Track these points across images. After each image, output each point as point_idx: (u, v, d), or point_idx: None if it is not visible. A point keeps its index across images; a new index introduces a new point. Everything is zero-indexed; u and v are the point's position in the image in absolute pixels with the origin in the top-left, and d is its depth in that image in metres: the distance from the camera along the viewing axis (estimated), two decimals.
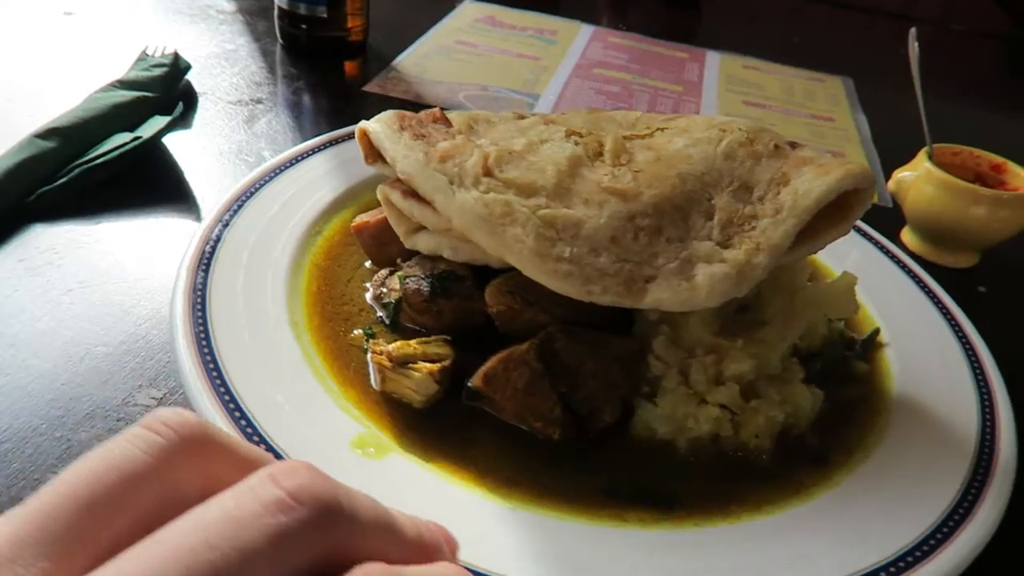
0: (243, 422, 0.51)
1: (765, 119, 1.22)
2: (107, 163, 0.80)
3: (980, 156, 0.92)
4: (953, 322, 0.72)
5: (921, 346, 0.70)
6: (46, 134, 0.80)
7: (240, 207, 0.72)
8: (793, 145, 0.65)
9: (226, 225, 0.69)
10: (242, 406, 0.51)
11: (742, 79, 1.37)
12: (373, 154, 0.66)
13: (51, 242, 0.73)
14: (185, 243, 0.67)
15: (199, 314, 0.58)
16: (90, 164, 0.80)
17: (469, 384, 0.58)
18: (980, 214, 0.85)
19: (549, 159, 0.59)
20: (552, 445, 0.56)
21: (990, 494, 0.54)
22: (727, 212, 0.58)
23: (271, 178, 0.77)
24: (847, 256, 0.80)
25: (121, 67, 0.99)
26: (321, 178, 0.80)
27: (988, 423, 0.61)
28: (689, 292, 0.53)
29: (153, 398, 0.59)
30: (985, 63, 1.83)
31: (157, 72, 0.97)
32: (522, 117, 0.69)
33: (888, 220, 0.93)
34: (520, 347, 0.57)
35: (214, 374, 0.53)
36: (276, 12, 1.19)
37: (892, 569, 0.48)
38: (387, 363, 0.57)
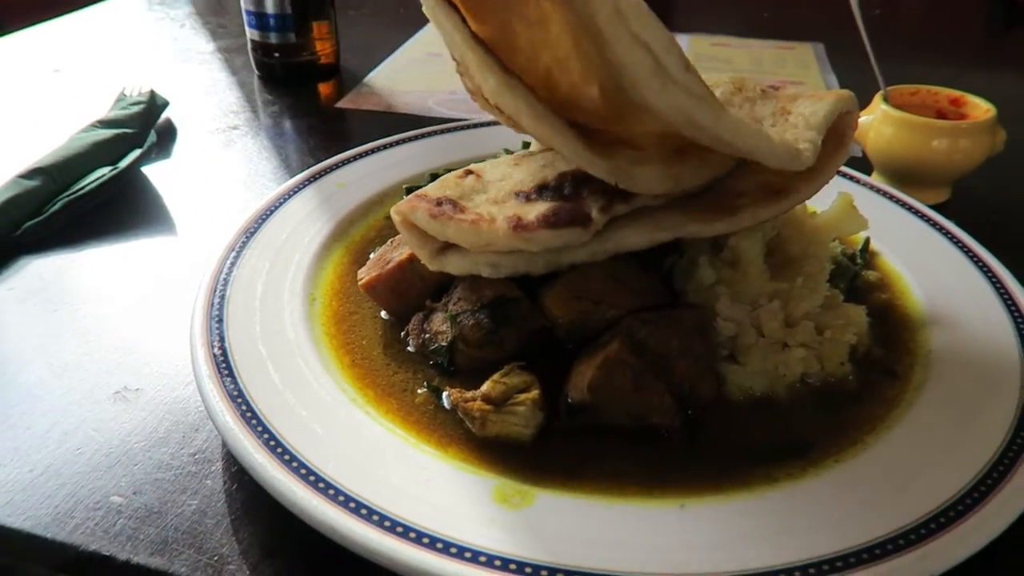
0: (387, 523, 0.46)
1: None
2: (88, 194, 0.85)
3: (938, 92, 0.93)
4: (935, 224, 0.78)
5: (912, 247, 0.75)
6: (30, 174, 0.85)
7: (223, 301, 0.64)
8: (775, 87, 0.67)
9: (220, 321, 0.61)
10: (380, 510, 0.46)
11: (711, 56, 1.39)
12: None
13: (39, 270, 0.77)
14: (165, 265, 0.70)
15: (257, 426, 0.52)
16: (72, 196, 0.84)
17: (571, 400, 0.55)
18: (941, 147, 0.86)
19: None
20: (661, 435, 0.55)
21: None
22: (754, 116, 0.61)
23: (241, 248, 0.71)
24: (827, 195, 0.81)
25: (104, 110, 1.04)
26: (295, 237, 0.74)
27: (1016, 314, 0.65)
28: (765, 133, 0.53)
29: (138, 389, 0.62)
30: (967, 16, 1.82)
31: (135, 109, 1.02)
32: (518, 163, 0.65)
33: (857, 168, 0.94)
34: (609, 348, 0.55)
35: (332, 492, 0.47)
36: (249, 45, 1.24)
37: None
38: (486, 407, 0.53)
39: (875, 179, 0.94)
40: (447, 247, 0.60)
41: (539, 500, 0.48)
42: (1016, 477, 0.49)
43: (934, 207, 0.90)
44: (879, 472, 0.51)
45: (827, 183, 0.65)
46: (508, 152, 0.88)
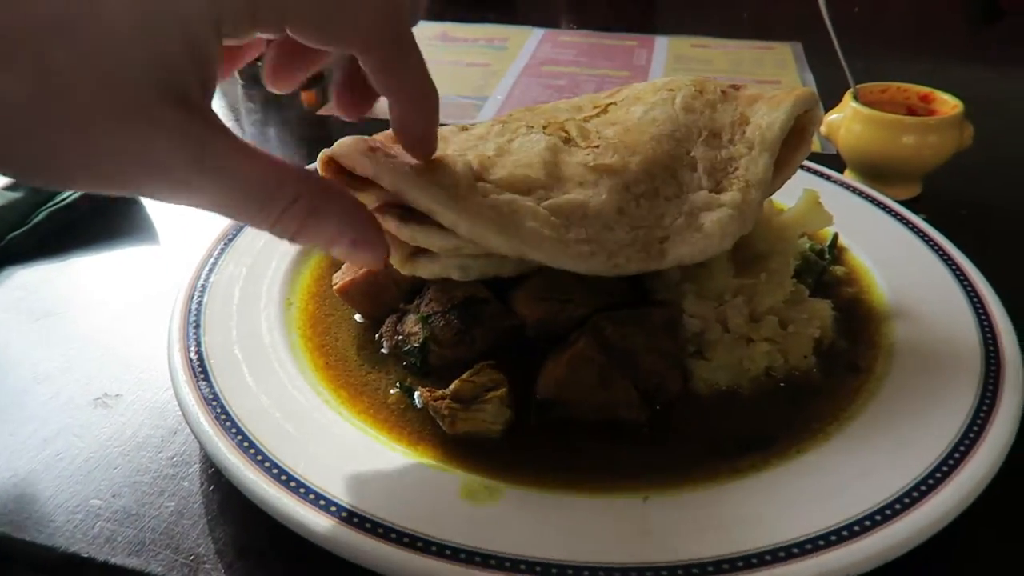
0: (355, 519, 0.47)
1: None
2: (72, 204, 0.86)
3: (907, 89, 0.94)
4: (903, 219, 0.79)
5: (879, 242, 0.77)
6: (13, 185, 0.86)
7: (200, 307, 0.65)
8: (736, 87, 0.69)
9: (197, 327, 0.62)
10: (350, 507, 0.47)
11: (690, 57, 1.41)
12: (343, 182, 0.59)
13: (23, 280, 0.79)
14: (148, 273, 0.71)
15: (231, 428, 0.53)
16: (55, 206, 0.85)
17: (539, 397, 0.56)
18: (910, 143, 0.87)
19: (529, 154, 0.58)
20: (628, 429, 0.56)
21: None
22: (707, 160, 0.61)
23: (218, 258, 0.72)
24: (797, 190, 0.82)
25: None
26: (275, 242, 0.73)
27: (979, 306, 0.66)
28: (704, 240, 0.55)
29: (118, 395, 0.64)
30: (948, 12, 1.84)
31: None
32: (466, 128, 0.66)
33: (830, 165, 0.95)
34: (576, 346, 0.56)
35: (303, 491, 0.49)
36: None
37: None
38: (456, 405, 0.55)
39: (848, 176, 0.95)
40: (418, 252, 0.61)
41: (507, 496, 0.49)
42: (969, 465, 0.50)
43: (905, 202, 0.91)
44: (840, 462, 0.52)
45: (790, 178, 0.67)
46: None
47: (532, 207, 0.54)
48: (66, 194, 0.87)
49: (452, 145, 0.62)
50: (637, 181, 0.58)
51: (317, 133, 1.16)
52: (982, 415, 0.54)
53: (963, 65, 1.44)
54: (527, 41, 1.49)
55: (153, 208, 0.92)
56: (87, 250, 0.83)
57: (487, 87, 1.27)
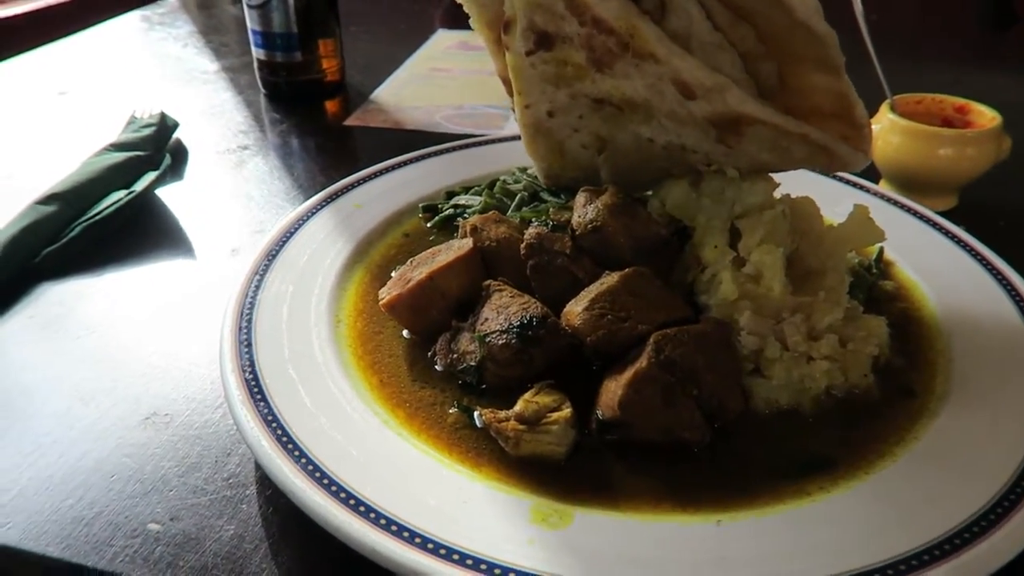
0: (429, 545, 0.46)
1: None
2: (105, 219, 0.85)
3: (943, 101, 0.94)
4: (946, 232, 0.80)
5: (925, 256, 0.77)
6: (46, 200, 0.85)
7: (250, 325, 0.64)
8: None
9: (248, 345, 0.61)
10: (421, 531, 0.47)
11: None
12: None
13: (59, 297, 0.77)
14: (184, 288, 0.71)
15: (294, 451, 0.52)
16: (90, 221, 0.84)
17: (601, 418, 0.56)
18: (947, 155, 0.87)
19: None
20: (691, 450, 0.55)
21: None
22: None
23: (264, 271, 0.71)
24: (839, 204, 0.81)
25: (114, 132, 1.04)
26: (316, 259, 0.74)
27: (1020, 303, 0.68)
28: None
29: (167, 415, 0.63)
30: (961, 19, 1.84)
31: (146, 132, 1.02)
32: None
33: (865, 176, 0.95)
34: (639, 365, 0.55)
35: (373, 515, 0.48)
36: (255, 64, 1.25)
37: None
38: (520, 427, 0.54)
39: (883, 186, 0.95)
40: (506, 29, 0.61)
41: (577, 519, 0.49)
42: None
43: (942, 214, 0.91)
44: (908, 484, 0.52)
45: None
46: (522, 170, 0.89)
47: None
48: (99, 208, 0.86)
49: None
50: None
51: (342, 143, 1.16)
52: None
53: (985, 73, 1.44)
54: None
55: (186, 220, 0.91)
56: (121, 265, 0.83)
57: None
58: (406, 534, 0.46)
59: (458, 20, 1.69)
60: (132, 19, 1.71)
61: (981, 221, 0.89)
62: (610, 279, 0.62)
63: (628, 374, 0.55)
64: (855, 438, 0.56)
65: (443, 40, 1.55)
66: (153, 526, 0.53)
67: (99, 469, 0.58)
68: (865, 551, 0.46)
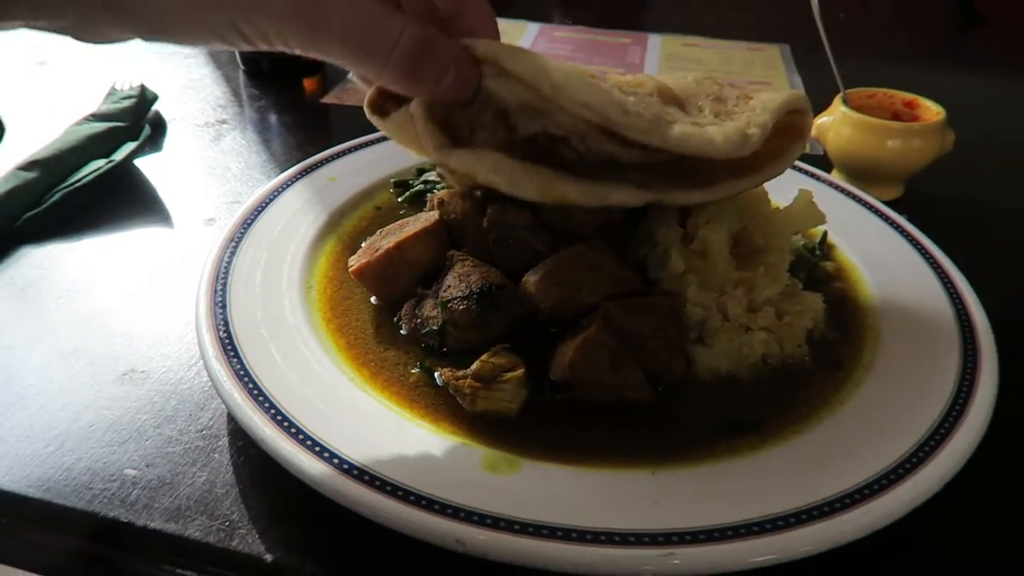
0: (388, 487, 0.50)
1: None
2: (85, 186, 0.88)
3: (893, 95, 0.99)
4: (887, 219, 0.84)
5: (866, 240, 0.82)
6: (28, 166, 0.88)
7: (225, 288, 0.67)
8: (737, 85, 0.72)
9: (223, 307, 0.65)
10: (382, 476, 0.51)
11: (682, 56, 1.44)
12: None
13: (39, 260, 0.80)
14: (160, 253, 0.74)
15: (264, 402, 0.56)
16: (70, 188, 0.87)
17: (554, 378, 0.60)
18: (895, 147, 0.92)
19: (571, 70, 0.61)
20: (639, 409, 0.60)
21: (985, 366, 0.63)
22: (714, 109, 0.64)
23: (240, 238, 0.74)
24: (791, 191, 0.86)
25: (93, 103, 1.06)
26: (290, 228, 0.78)
27: (957, 300, 0.71)
28: (706, 135, 0.57)
29: (144, 371, 0.66)
30: (930, 19, 1.89)
31: (126, 103, 1.05)
32: None
33: (819, 166, 1.00)
34: (588, 330, 0.60)
35: (337, 461, 0.52)
36: None
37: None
38: (476, 384, 0.58)
39: (835, 176, 1.00)
40: (454, 143, 0.61)
41: (525, 468, 0.53)
42: (950, 445, 0.55)
43: (888, 202, 0.96)
44: (830, 443, 0.57)
45: (790, 165, 0.70)
46: None
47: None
48: (79, 176, 0.89)
49: None
50: (651, 94, 0.61)
51: (318, 120, 1.18)
52: (960, 401, 0.59)
53: (944, 71, 1.50)
54: (523, 35, 1.52)
55: (164, 190, 0.94)
56: (100, 231, 0.85)
57: None
58: (367, 478, 0.50)
59: None
60: None
61: (924, 210, 0.94)
62: (567, 251, 0.66)
63: (579, 339, 0.59)
64: (787, 403, 0.61)
65: None
66: (130, 471, 0.57)
67: (78, 420, 0.61)
68: (787, 497, 0.51)
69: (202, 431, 0.61)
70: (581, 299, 0.62)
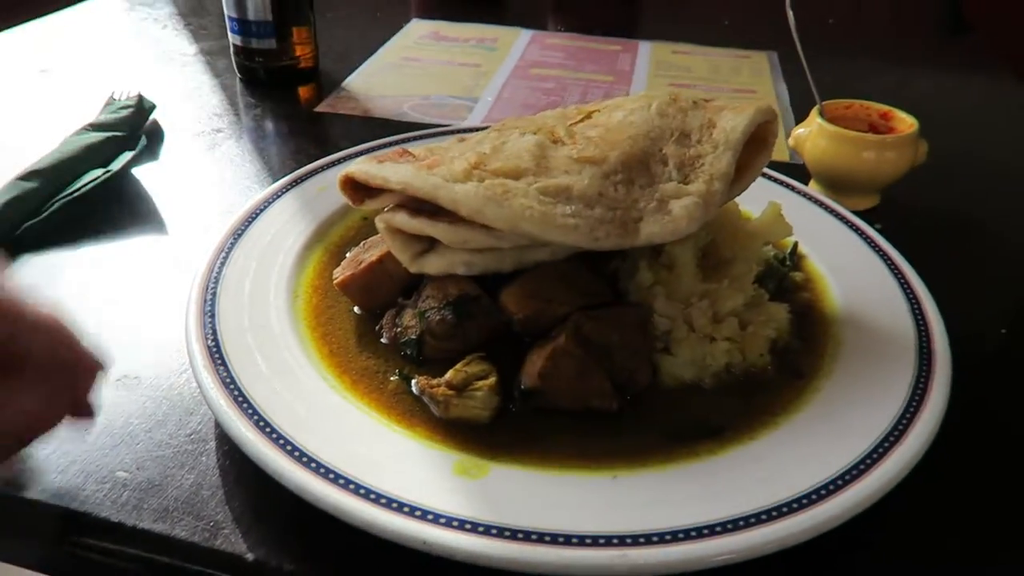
0: (362, 491, 0.53)
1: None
2: (83, 196, 0.91)
3: (869, 107, 1.02)
4: (857, 230, 0.87)
5: (835, 251, 0.84)
6: (28, 176, 0.91)
7: (214, 297, 0.71)
8: (707, 100, 0.76)
9: (212, 316, 0.68)
10: (357, 480, 0.54)
11: (671, 63, 1.47)
12: (359, 196, 0.68)
13: (38, 268, 0.84)
14: (156, 262, 0.77)
15: (248, 409, 0.59)
16: (68, 198, 0.90)
17: (524, 387, 0.63)
18: (869, 158, 0.95)
19: (520, 149, 0.66)
20: (606, 416, 0.63)
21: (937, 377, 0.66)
22: (678, 156, 0.68)
23: (230, 248, 0.78)
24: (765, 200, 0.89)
25: (92, 112, 1.10)
26: (279, 238, 0.81)
27: (918, 311, 0.74)
28: (672, 223, 0.62)
29: (136, 377, 0.69)
30: (919, 25, 1.91)
31: (124, 113, 1.08)
32: (463, 139, 0.74)
33: (797, 175, 1.02)
34: (557, 341, 0.63)
35: (315, 465, 0.55)
36: (232, 50, 1.30)
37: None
38: (449, 392, 0.61)
39: (812, 186, 1.03)
40: (425, 251, 0.68)
41: (493, 472, 0.56)
42: (896, 453, 0.58)
43: (864, 212, 0.99)
44: (785, 449, 0.59)
45: (753, 181, 0.74)
46: None
47: (523, 188, 0.62)
48: (77, 186, 0.92)
49: (452, 151, 0.69)
50: (615, 171, 0.65)
51: (313, 128, 1.21)
52: (911, 410, 0.62)
53: (928, 79, 1.52)
54: (516, 42, 1.55)
55: (160, 199, 0.97)
56: (97, 239, 0.88)
57: (477, 88, 1.33)
58: (342, 481, 0.53)
59: (432, 9, 1.75)
60: None
61: (898, 219, 0.97)
62: (543, 265, 0.69)
63: (548, 348, 0.62)
64: (747, 410, 0.63)
65: (417, 29, 1.60)
66: (121, 474, 0.60)
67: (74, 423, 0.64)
68: (741, 500, 0.54)
69: (191, 435, 0.64)
70: (552, 311, 0.65)
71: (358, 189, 0.68)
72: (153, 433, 0.64)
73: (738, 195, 0.73)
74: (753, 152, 0.72)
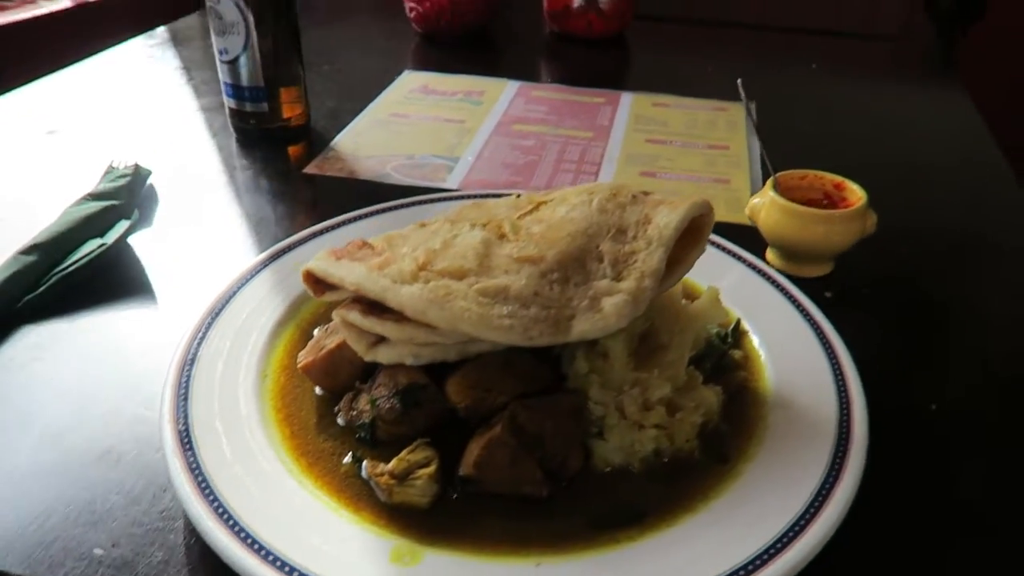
0: (294, 573, 0.59)
1: (663, 155, 1.37)
2: (80, 269, 0.98)
3: (824, 177, 1.07)
4: (799, 305, 0.91)
5: (776, 329, 0.89)
6: (28, 250, 0.98)
7: (188, 380, 0.77)
8: (646, 193, 0.82)
9: (185, 399, 0.74)
10: (301, 568, 0.59)
11: (650, 117, 1.52)
12: (320, 288, 0.74)
13: (36, 340, 0.90)
14: (146, 331, 0.83)
15: (209, 495, 0.65)
16: (66, 271, 0.97)
17: (461, 475, 0.68)
18: (819, 231, 1.00)
19: (467, 247, 0.72)
20: (539, 501, 0.68)
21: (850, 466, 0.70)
22: (613, 253, 0.74)
23: (208, 327, 0.84)
24: (719, 275, 0.94)
25: (93, 180, 1.17)
26: (253, 316, 0.88)
27: (843, 392, 0.78)
28: (603, 320, 0.68)
29: (119, 452, 0.75)
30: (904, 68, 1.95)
31: (121, 182, 1.15)
32: (424, 224, 0.81)
33: (757, 238, 1.07)
34: (493, 431, 0.68)
35: (264, 552, 0.61)
36: (227, 112, 1.38)
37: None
38: (391, 481, 0.67)
39: (769, 252, 1.07)
40: (378, 341, 0.74)
41: (425, 559, 0.62)
42: (807, 535, 0.63)
43: (817, 279, 1.04)
44: (702, 534, 0.64)
45: (687, 273, 0.79)
46: None
47: (464, 290, 0.68)
48: (74, 259, 0.99)
49: (411, 240, 0.76)
50: (552, 270, 0.71)
51: (301, 191, 1.28)
52: (823, 493, 0.66)
53: (904, 131, 1.56)
54: (502, 95, 1.61)
55: (152, 268, 1.04)
56: (92, 311, 0.95)
57: (460, 146, 1.39)
58: (287, 568, 0.59)
59: (423, 62, 1.81)
60: (134, 46, 1.84)
61: (848, 288, 1.02)
62: (487, 355, 0.74)
63: (485, 438, 0.68)
64: (670, 495, 0.69)
65: (408, 83, 1.67)
66: (98, 551, 0.66)
67: (59, 499, 0.71)
68: None
69: (162, 512, 0.70)
70: (492, 399, 0.71)
71: (319, 283, 0.74)
72: (129, 510, 0.70)
73: (672, 287, 0.78)
74: (688, 245, 0.78)
